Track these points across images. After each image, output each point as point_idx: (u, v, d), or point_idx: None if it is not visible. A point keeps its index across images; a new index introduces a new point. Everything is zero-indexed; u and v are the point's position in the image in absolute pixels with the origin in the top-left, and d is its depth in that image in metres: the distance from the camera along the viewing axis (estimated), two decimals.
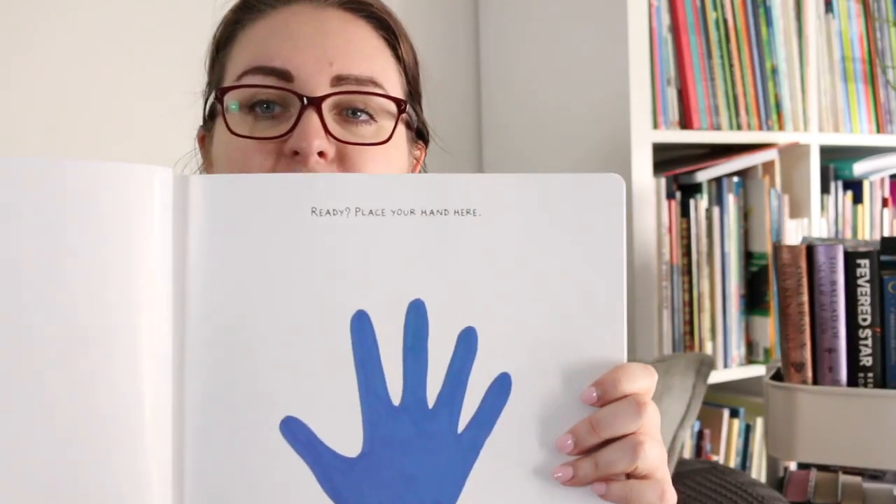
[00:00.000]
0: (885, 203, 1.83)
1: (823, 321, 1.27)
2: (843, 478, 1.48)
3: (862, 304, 1.26)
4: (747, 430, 1.70)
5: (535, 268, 0.57)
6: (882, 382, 1.25)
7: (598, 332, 0.57)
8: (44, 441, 0.51)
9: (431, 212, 0.56)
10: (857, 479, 1.49)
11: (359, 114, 0.71)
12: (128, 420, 0.52)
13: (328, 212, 0.56)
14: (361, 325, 0.56)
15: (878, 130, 1.79)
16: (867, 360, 1.25)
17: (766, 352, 1.63)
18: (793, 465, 1.58)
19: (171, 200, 0.54)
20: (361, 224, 0.56)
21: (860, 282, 1.26)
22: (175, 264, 0.54)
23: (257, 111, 0.71)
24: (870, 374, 1.25)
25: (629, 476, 0.56)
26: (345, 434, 0.56)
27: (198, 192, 0.55)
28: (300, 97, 0.69)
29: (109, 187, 0.53)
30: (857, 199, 1.80)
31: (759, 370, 1.63)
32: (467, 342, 0.56)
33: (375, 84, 0.72)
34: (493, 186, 0.57)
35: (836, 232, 1.77)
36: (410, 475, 0.56)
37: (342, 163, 0.70)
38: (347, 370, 0.56)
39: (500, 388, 0.57)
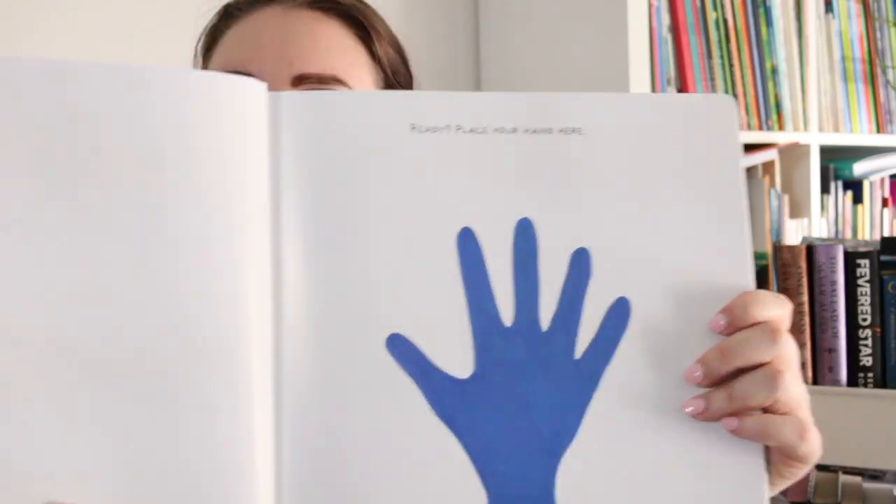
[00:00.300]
0: (885, 203, 1.83)
1: (823, 321, 1.27)
2: (843, 478, 1.48)
3: (862, 304, 1.26)
4: None
5: (648, 188, 0.53)
6: (882, 382, 1.25)
7: (721, 256, 0.53)
8: (135, 352, 0.49)
9: (535, 130, 0.54)
10: (857, 479, 1.49)
11: None
12: (226, 333, 0.50)
13: (428, 129, 0.54)
14: (468, 243, 0.53)
15: (878, 130, 1.79)
16: (867, 360, 1.25)
17: None
18: None
19: (266, 115, 0.52)
20: (463, 141, 0.53)
21: (860, 282, 1.26)
22: (271, 181, 0.52)
23: None
24: (870, 374, 1.25)
25: (765, 411, 0.52)
26: (454, 354, 0.52)
27: (292, 109, 0.53)
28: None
29: (199, 96, 0.51)
30: (857, 199, 1.80)
31: None
32: (580, 264, 0.53)
33: (339, 82, 0.72)
34: (599, 105, 0.54)
35: (836, 232, 1.77)
36: (526, 401, 0.52)
37: None
38: (455, 289, 0.52)
39: (619, 313, 0.53)
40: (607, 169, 0.54)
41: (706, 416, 0.51)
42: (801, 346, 1.27)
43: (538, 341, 0.53)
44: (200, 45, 0.81)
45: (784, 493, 1.50)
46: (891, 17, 1.79)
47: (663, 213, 0.54)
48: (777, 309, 0.52)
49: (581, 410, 0.52)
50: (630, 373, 0.52)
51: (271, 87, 0.68)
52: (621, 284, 0.53)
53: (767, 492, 0.53)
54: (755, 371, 0.51)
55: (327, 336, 0.52)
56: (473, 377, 0.52)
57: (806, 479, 1.47)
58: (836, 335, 1.26)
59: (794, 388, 0.51)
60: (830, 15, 1.74)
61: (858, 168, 1.78)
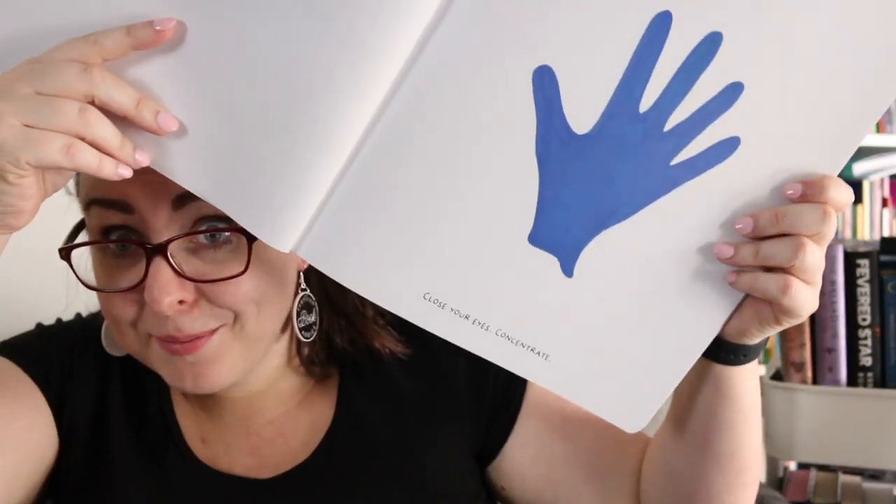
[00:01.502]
0: (885, 203, 1.83)
1: (823, 321, 1.26)
2: (842, 478, 1.48)
3: (862, 305, 1.25)
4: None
5: (819, 41, 0.55)
6: (882, 382, 1.25)
7: (831, 138, 0.57)
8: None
9: None
10: (857, 478, 1.49)
11: (217, 236, 0.63)
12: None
13: None
14: (660, 29, 0.55)
15: (878, 130, 1.79)
16: (867, 360, 1.25)
17: (766, 351, 1.63)
18: (793, 465, 1.58)
19: None
20: None
21: (860, 282, 1.26)
22: None
23: (110, 246, 0.65)
24: (869, 374, 1.25)
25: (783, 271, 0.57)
26: (584, 109, 0.56)
27: None
28: (142, 245, 0.62)
29: None
30: (857, 199, 1.80)
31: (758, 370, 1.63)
32: (729, 94, 0.56)
33: None
34: None
35: (836, 232, 1.77)
36: (611, 176, 0.57)
37: (207, 298, 0.64)
38: (620, 59, 0.55)
39: (726, 146, 0.57)
40: (802, 26, 0.54)
41: (730, 261, 0.58)
42: (801, 345, 1.27)
43: (655, 136, 0.57)
44: None
45: (784, 493, 1.50)
46: None
47: (818, 64, 0.55)
48: (846, 196, 0.58)
49: (645, 203, 0.58)
50: (700, 199, 0.58)
51: (152, 221, 0.62)
52: (738, 124, 0.57)
53: (716, 330, 0.61)
54: (786, 237, 0.57)
55: (474, 47, 0.54)
56: (586, 136, 0.57)
57: (806, 479, 1.47)
58: (836, 335, 1.26)
59: (811, 259, 0.57)
60: None
61: (858, 168, 1.78)
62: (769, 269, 0.58)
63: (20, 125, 0.49)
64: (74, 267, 0.66)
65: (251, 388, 0.73)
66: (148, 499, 0.70)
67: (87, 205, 0.65)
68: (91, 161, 0.51)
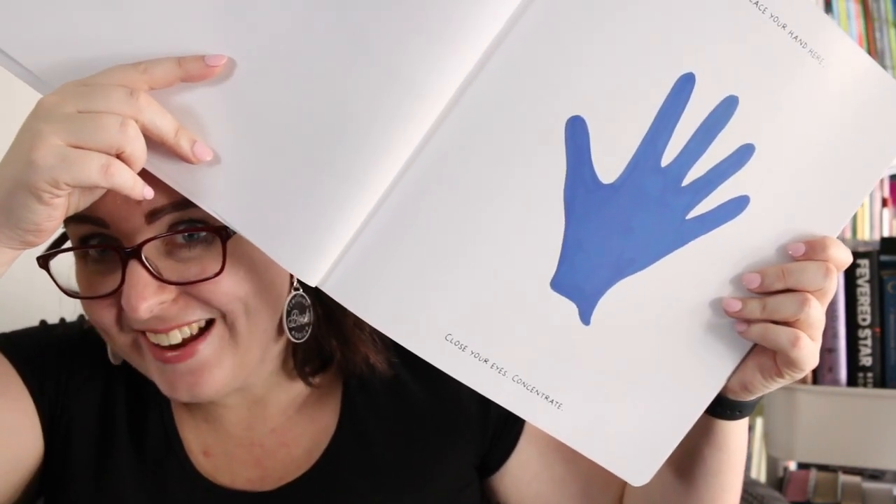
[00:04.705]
0: (884, 203, 1.83)
1: None
2: (842, 477, 1.48)
3: (862, 305, 1.26)
4: (747, 430, 1.70)
5: (828, 130, 0.60)
6: (882, 382, 1.25)
7: (832, 201, 0.61)
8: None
9: (793, 34, 0.58)
10: (857, 478, 1.49)
11: (194, 235, 0.62)
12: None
13: None
14: (684, 88, 0.58)
15: None
16: (867, 360, 1.26)
17: None
18: (792, 465, 1.58)
19: None
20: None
21: (860, 282, 1.26)
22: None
23: (89, 254, 0.64)
24: (869, 374, 1.25)
25: (785, 324, 0.60)
26: (611, 159, 0.58)
27: None
28: (117, 249, 0.61)
29: None
30: None
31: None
32: (741, 154, 0.60)
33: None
34: (858, 62, 0.60)
35: None
36: (631, 226, 0.60)
37: (188, 295, 0.63)
38: (647, 115, 0.58)
39: (737, 204, 0.61)
40: (810, 99, 0.59)
41: (738, 315, 0.61)
42: None
43: (673, 190, 0.60)
44: None
45: (784, 493, 1.50)
46: (890, 18, 1.79)
47: (822, 134, 0.60)
48: (846, 256, 0.61)
49: (660, 255, 0.61)
50: (712, 251, 0.61)
51: (125, 233, 0.61)
52: (748, 183, 0.60)
53: (722, 382, 0.64)
54: (791, 292, 0.60)
55: (513, 94, 0.57)
56: (611, 186, 0.59)
57: (806, 479, 1.48)
58: (835, 335, 1.26)
59: (815, 313, 0.60)
60: (830, 15, 1.74)
61: None
62: (776, 324, 0.61)
63: (63, 145, 0.49)
64: (59, 277, 0.65)
65: (249, 394, 0.73)
66: None
67: (65, 222, 0.64)
68: (127, 180, 0.52)
